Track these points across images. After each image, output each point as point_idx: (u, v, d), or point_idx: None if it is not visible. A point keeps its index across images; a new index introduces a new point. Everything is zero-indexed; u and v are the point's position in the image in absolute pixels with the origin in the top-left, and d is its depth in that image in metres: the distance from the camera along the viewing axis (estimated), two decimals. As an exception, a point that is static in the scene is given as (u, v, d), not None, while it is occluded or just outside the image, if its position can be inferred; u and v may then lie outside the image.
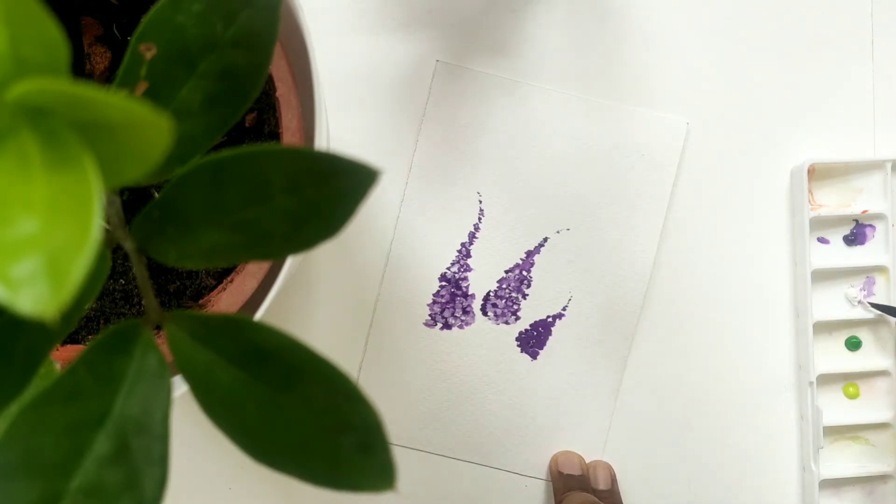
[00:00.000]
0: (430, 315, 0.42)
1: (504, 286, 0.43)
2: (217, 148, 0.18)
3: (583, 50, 0.43)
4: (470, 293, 0.42)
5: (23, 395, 0.18)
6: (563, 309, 0.43)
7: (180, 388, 0.26)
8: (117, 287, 0.33)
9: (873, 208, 0.43)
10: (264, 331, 0.19)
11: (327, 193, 0.17)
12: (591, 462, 0.42)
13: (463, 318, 0.42)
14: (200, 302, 0.33)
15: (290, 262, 0.31)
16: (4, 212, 0.13)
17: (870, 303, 0.42)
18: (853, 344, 0.43)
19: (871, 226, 0.44)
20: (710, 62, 0.44)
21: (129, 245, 0.19)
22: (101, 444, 0.17)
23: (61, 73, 0.15)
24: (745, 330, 0.44)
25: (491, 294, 0.43)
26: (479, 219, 0.42)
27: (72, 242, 0.13)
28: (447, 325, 0.42)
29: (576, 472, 0.41)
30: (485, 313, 0.43)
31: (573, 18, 0.43)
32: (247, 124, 0.34)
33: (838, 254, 0.44)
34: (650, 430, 0.43)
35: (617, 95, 0.43)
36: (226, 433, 0.18)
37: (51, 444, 0.17)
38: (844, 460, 0.43)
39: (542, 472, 0.43)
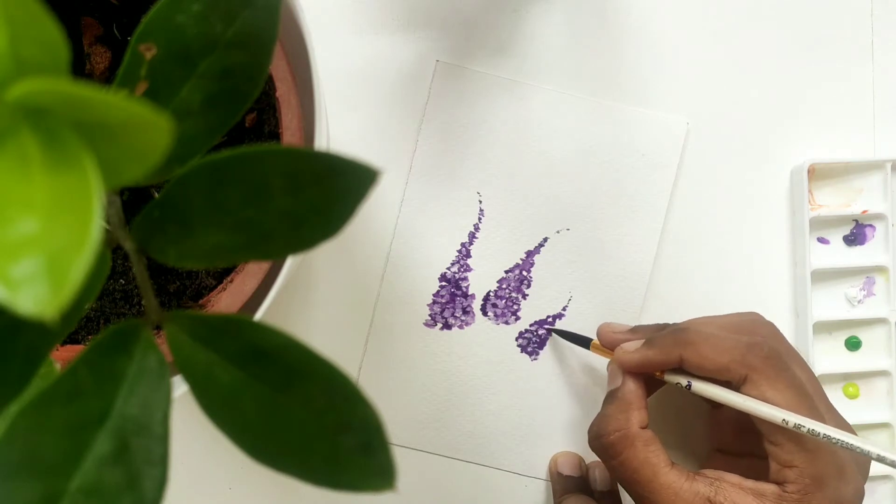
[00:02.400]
0: (430, 315, 0.42)
1: (504, 286, 0.43)
2: (217, 148, 0.18)
3: (583, 50, 0.43)
4: (470, 293, 0.42)
5: (23, 395, 0.18)
6: (563, 309, 0.43)
7: (180, 388, 0.26)
8: (117, 287, 0.33)
9: (873, 208, 0.43)
10: (264, 331, 0.19)
11: (327, 193, 0.17)
12: (590, 463, 0.42)
13: (463, 318, 0.42)
14: (200, 302, 0.33)
15: (290, 262, 0.31)
16: (4, 212, 0.13)
17: (549, 329, 0.42)
18: (853, 344, 0.43)
19: (871, 226, 0.44)
20: (710, 62, 0.44)
21: (129, 245, 0.19)
22: (101, 444, 0.17)
23: (61, 73, 0.15)
24: (745, 330, 0.44)
25: (491, 294, 0.43)
26: (479, 219, 0.42)
27: (72, 242, 0.13)
28: (447, 325, 0.42)
29: (575, 472, 0.41)
30: (485, 313, 0.43)
31: (573, 18, 0.43)
32: (247, 124, 0.34)
33: (838, 254, 0.44)
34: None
35: (617, 95, 0.43)
36: (226, 433, 0.18)
37: (51, 444, 0.17)
38: (844, 460, 0.43)
39: (542, 472, 0.43)
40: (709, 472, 0.34)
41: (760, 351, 0.33)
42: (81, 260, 0.12)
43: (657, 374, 0.36)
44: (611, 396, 0.37)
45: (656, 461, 0.34)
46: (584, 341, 0.41)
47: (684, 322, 0.38)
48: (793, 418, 0.32)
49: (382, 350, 0.42)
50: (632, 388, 0.36)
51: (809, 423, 0.31)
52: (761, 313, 0.37)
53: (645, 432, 0.35)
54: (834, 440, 0.31)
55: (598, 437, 0.36)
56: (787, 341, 0.37)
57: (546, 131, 0.43)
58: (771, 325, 0.37)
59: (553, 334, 0.42)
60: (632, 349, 0.37)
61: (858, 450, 0.31)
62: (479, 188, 0.42)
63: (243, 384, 0.18)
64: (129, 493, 0.17)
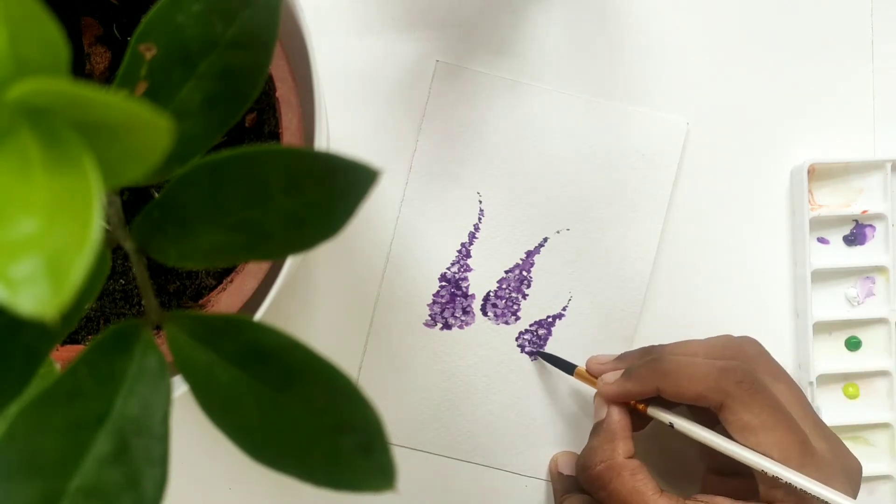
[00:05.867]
0: (430, 315, 0.42)
1: (504, 286, 0.43)
2: (217, 148, 0.18)
3: (583, 50, 0.43)
4: (470, 293, 0.42)
5: (23, 395, 0.18)
6: (563, 309, 0.43)
7: (180, 388, 0.26)
8: (117, 287, 0.33)
9: (873, 208, 0.43)
10: (264, 331, 0.19)
11: (327, 193, 0.17)
12: (591, 462, 0.43)
13: (463, 318, 0.42)
14: (200, 302, 0.33)
15: (290, 262, 0.31)
16: (4, 212, 0.13)
17: (533, 351, 0.42)
18: (853, 344, 0.43)
19: (871, 226, 0.44)
20: (710, 62, 0.44)
21: (129, 245, 0.19)
22: (101, 444, 0.17)
23: (61, 73, 0.15)
24: (744, 330, 0.43)
25: (491, 294, 0.43)
26: (479, 219, 0.42)
27: (72, 242, 0.13)
28: (447, 325, 0.42)
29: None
30: (485, 313, 0.43)
31: (573, 18, 0.43)
32: (247, 124, 0.34)
33: (838, 254, 0.44)
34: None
35: (617, 95, 0.43)
36: (226, 433, 0.18)
37: (51, 444, 0.17)
38: (844, 460, 0.43)
39: (542, 472, 0.43)
40: (701, 497, 0.34)
41: (734, 375, 0.34)
42: (81, 260, 0.12)
43: (640, 407, 0.37)
44: (596, 428, 0.38)
45: (644, 489, 0.34)
46: (568, 367, 0.41)
47: (669, 345, 0.38)
48: (773, 468, 0.32)
49: (382, 350, 0.42)
50: (616, 418, 0.37)
51: (789, 475, 0.32)
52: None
53: (632, 462, 0.35)
54: (812, 493, 0.32)
55: (585, 470, 0.36)
56: (772, 361, 0.37)
57: (546, 131, 0.43)
58: (756, 345, 0.37)
59: (539, 357, 0.43)
60: (611, 380, 0.37)
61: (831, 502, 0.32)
62: (479, 188, 0.42)
63: (243, 384, 0.18)
64: (129, 493, 0.17)
